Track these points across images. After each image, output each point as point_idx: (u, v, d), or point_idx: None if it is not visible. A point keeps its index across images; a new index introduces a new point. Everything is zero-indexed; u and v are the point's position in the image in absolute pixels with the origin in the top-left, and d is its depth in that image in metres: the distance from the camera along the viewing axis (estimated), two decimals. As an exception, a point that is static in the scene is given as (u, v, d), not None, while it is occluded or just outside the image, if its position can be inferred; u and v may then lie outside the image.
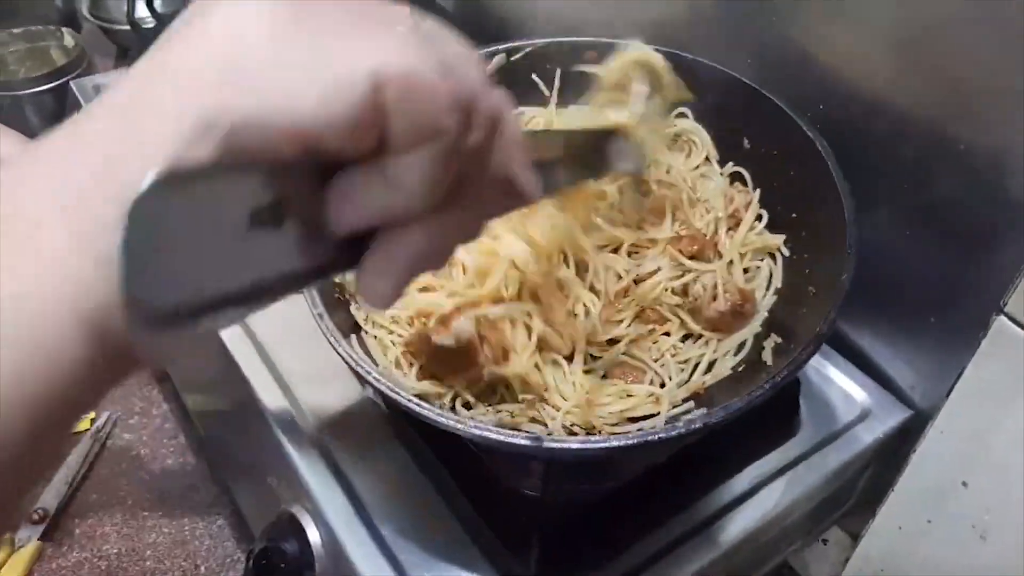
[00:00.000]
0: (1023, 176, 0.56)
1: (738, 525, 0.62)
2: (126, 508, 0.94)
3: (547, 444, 0.49)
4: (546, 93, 0.77)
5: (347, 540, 0.59)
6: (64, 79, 1.15)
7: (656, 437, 0.49)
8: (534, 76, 0.76)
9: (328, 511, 0.60)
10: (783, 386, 0.51)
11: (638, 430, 0.55)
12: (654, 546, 0.60)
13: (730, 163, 0.73)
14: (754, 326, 0.62)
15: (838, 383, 0.72)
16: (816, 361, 0.74)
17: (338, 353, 0.54)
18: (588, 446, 0.50)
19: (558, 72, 0.76)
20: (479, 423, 0.51)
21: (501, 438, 0.49)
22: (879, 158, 0.66)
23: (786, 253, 0.66)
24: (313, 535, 0.61)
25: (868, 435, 0.68)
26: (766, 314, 0.63)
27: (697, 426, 0.49)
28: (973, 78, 0.59)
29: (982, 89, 0.58)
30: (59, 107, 1.14)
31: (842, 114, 0.68)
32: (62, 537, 0.91)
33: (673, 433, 0.49)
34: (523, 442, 0.49)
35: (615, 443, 0.49)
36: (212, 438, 0.95)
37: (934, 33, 0.60)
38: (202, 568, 0.90)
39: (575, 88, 0.70)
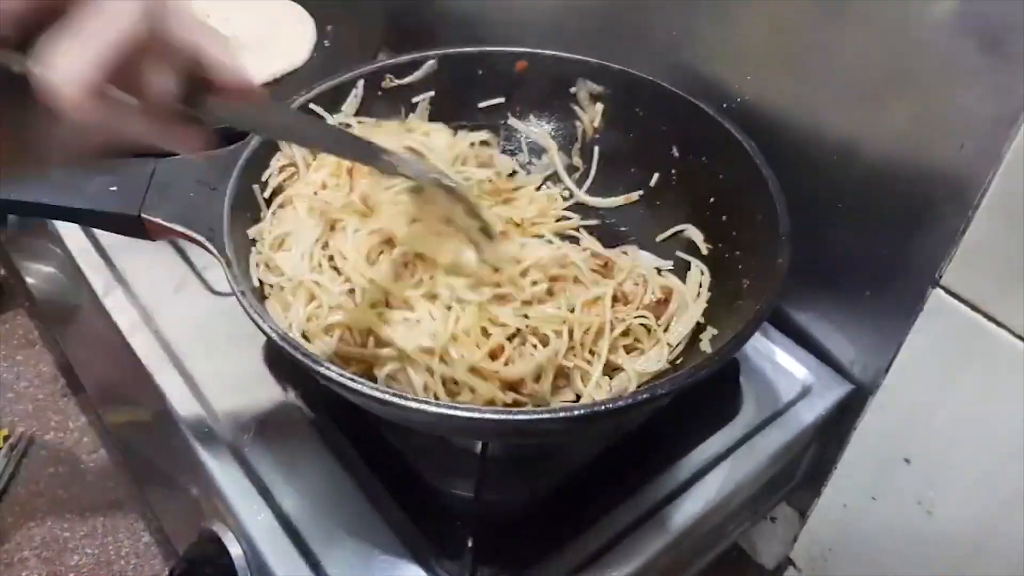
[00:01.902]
0: (951, 150, 0.55)
1: (683, 512, 0.60)
2: (45, 530, 0.89)
3: (487, 415, 0.48)
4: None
5: (271, 557, 0.55)
6: None
7: (603, 407, 0.47)
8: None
9: (250, 526, 0.57)
10: (726, 364, 0.51)
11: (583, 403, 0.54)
12: (599, 539, 0.58)
13: (656, 174, 0.71)
14: (686, 325, 0.60)
15: (778, 360, 0.71)
16: (755, 339, 0.72)
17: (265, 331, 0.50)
18: (531, 417, 0.49)
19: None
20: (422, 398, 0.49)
21: (440, 410, 0.46)
22: (801, 145, 0.65)
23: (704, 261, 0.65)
24: (236, 552, 0.58)
25: (810, 413, 0.67)
26: (699, 318, 0.61)
27: (644, 396, 0.48)
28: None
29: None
30: None
31: (758, 110, 0.67)
32: (-24, 566, 0.86)
33: (620, 403, 0.48)
34: (463, 414, 0.47)
35: (561, 414, 0.47)
36: (132, 452, 0.89)
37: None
38: (129, 588, 0.85)
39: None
